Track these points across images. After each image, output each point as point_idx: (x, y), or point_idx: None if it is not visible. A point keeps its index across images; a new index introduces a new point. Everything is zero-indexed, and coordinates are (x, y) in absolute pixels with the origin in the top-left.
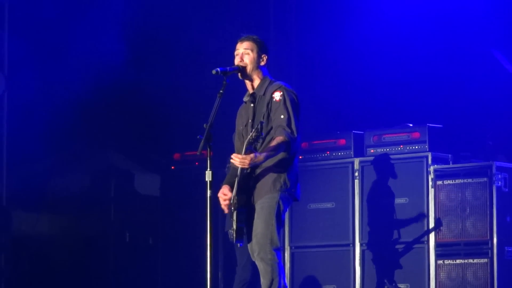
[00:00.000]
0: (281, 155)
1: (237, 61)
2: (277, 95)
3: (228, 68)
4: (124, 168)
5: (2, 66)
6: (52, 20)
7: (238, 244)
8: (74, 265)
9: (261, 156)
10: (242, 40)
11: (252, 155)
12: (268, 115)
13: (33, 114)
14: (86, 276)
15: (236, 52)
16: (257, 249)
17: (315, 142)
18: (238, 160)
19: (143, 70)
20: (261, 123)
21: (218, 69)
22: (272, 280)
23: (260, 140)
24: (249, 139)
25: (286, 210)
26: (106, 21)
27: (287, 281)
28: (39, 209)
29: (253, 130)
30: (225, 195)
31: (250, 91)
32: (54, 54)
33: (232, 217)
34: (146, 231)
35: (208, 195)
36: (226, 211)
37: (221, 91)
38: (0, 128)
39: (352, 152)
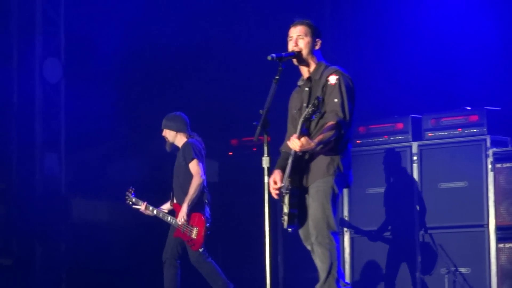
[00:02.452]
0: (335, 139)
1: (291, 46)
2: (332, 79)
3: (283, 53)
4: None
5: (59, 54)
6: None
7: (289, 229)
8: (134, 252)
9: (313, 143)
10: (296, 25)
11: (303, 139)
12: (323, 98)
13: (89, 101)
14: (146, 262)
15: (289, 38)
16: (315, 233)
17: (373, 126)
18: (292, 141)
19: (201, 56)
20: (318, 98)
21: (274, 55)
22: (331, 264)
23: (318, 115)
24: (306, 115)
25: (340, 194)
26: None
27: (347, 266)
28: (98, 197)
29: (310, 105)
30: (275, 183)
31: (305, 75)
32: (109, 42)
33: (283, 201)
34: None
35: (266, 181)
36: (275, 197)
37: (276, 77)
38: (58, 115)
39: (410, 136)
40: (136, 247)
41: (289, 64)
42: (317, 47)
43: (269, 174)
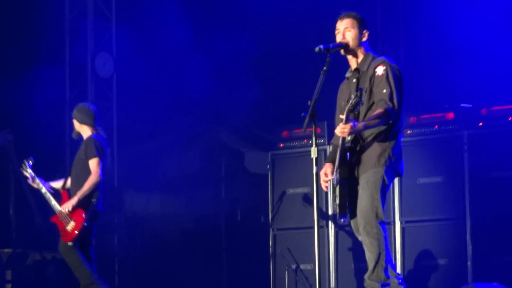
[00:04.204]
0: (381, 128)
1: (339, 39)
2: (379, 70)
3: (331, 45)
4: (234, 147)
5: (111, 49)
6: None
7: (342, 220)
8: (186, 244)
9: (360, 125)
10: (342, 18)
11: (350, 123)
12: (371, 89)
13: (140, 95)
14: (198, 254)
15: (337, 30)
16: (363, 223)
17: (423, 116)
18: (338, 129)
19: (253, 49)
20: (361, 89)
21: (321, 46)
22: (379, 254)
23: (361, 106)
24: (349, 106)
25: (390, 185)
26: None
27: (398, 256)
28: (150, 189)
29: (354, 96)
30: (326, 175)
31: (353, 67)
32: (160, 36)
33: (334, 192)
34: (257, 209)
35: (314, 172)
36: (325, 190)
37: (324, 68)
38: (110, 109)
39: (460, 126)
40: (188, 239)
41: (337, 56)
42: (364, 39)
43: (318, 165)
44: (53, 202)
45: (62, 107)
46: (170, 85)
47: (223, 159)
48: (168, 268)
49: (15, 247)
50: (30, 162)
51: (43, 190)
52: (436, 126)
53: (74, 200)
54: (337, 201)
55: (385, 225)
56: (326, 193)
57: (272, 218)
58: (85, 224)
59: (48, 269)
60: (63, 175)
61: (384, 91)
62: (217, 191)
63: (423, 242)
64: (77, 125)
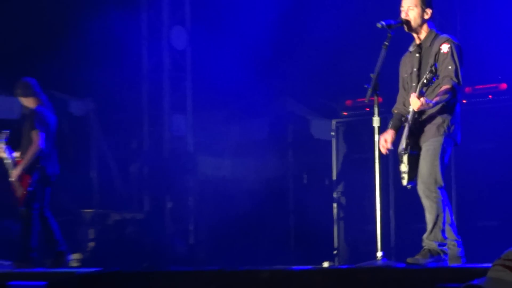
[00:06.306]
0: (446, 102)
1: (403, 16)
2: (445, 47)
3: (392, 21)
4: (300, 114)
5: (185, 22)
6: None
7: (409, 186)
8: (255, 206)
9: (431, 103)
10: None
11: (423, 99)
12: (435, 65)
13: (213, 65)
14: (266, 215)
15: (402, 7)
16: (423, 187)
17: (477, 87)
18: (414, 100)
19: (316, 21)
20: (435, 65)
21: (383, 22)
22: (438, 216)
23: (436, 81)
24: (424, 81)
25: (449, 153)
26: None
27: (453, 217)
28: (223, 154)
29: (428, 72)
30: (386, 141)
31: (416, 42)
32: (231, 10)
33: (402, 160)
34: (322, 173)
35: (376, 140)
36: (384, 153)
37: (386, 43)
38: (184, 79)
39: None
40: (257, 201)
41: (398, 32)
42: (427, 17)
43: (380, 133)
44: (10, 171)
45: (139, 78)
46: (240, 56)
47: (290, 126)
48: (238, 228)
49: (97, 208)
50: (5, 136)
51: (5, 161)
52: (490, 96)
53: (18, 170)
54: (406, 169)
55: (444, 190)
56: (387, 158)
57: (336, 182)
58: (30, 189)
59: (127, 228)
60: (140, 141)
61: (450, 67)
62: (284, 156)
63: (476, 205)
64: (24, 101)
